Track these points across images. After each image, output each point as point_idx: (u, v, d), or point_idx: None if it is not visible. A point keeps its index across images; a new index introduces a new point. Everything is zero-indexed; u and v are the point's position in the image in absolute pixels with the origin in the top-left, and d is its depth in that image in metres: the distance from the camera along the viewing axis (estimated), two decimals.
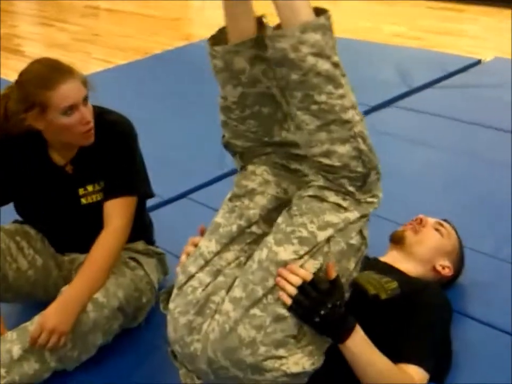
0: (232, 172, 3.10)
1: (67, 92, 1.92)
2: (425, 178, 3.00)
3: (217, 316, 1.62)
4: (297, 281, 1.56)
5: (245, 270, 1.64)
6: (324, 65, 1.51)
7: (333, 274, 1.60)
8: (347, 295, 1.65)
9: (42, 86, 1.92)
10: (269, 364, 1.58)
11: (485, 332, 2.07)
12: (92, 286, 1.98)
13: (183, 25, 6.41)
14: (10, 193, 2.14)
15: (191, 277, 1.69)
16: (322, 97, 1.52)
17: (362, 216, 1.61)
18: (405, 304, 1.85)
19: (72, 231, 2.20)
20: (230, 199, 1.76)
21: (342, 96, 1.52)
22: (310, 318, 1.58)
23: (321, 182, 1.60)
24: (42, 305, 2.11)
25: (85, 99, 1.98)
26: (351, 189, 1.58)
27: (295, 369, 1.59)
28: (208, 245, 1.71)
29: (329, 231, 1.58)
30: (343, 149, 1.54)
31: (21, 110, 1.95)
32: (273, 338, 1.57)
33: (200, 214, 2.80)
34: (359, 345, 1.64)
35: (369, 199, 1.61)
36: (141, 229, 2.23)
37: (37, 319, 1.95)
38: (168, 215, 2.77)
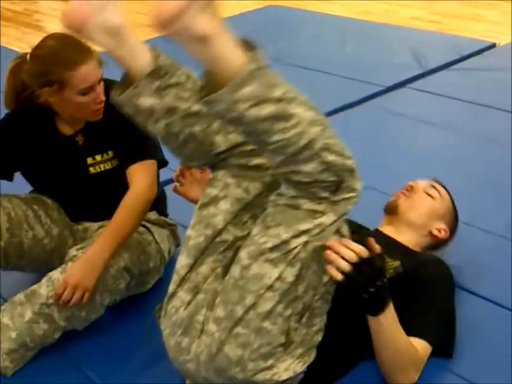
0: None
1: (87, 73, 1.95)
2: (437, 158, 3.02)
3: (203, 337, 1.62)
4: (352, 257, 1.54)
5: (223, 287, 1.62)
6: (267, 109, 1.41)
7: (377, 249, 1.61)
8: (333, 287, 1.64)
9: (62, 65, 1.93)
10: (260, 376, 1.59)
11: (494, 310, 2.09)
12: (114, 244, 2.01)
13: None
14: (18, 162, 2.18)
15: (172, 296, 1.69)
16: (276, 137, 1.44)
17: (340, 216, 1.56)
18: (408, 281, 1.87)
19: (82, 200, 2.23)
20: (199, 209, 1.71)
21: (295, 125, 1.43)
22: (359, 294, 1.60)
23: (292, 192, 1.55)
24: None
25: (100, 79, 2.01)
26: (324, 195, 1.52)
27: (286, 375, 1.61)
28: (180, 260, 1.70)
29: (303, 238, 1.54)
30: (308, 168, 1.47)
31: (35, 84, 1.98)
32: (260, 353, 1.58)
33: None
34: (389, 321, 1.66)
35: (346, 195, 1.54)
36: (154, 199, 2.27)
37: (44, 281, 1.99)
38: None
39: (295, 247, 1.54)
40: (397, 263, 1.90)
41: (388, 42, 4.67)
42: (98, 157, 2.15)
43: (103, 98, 2.01)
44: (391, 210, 2.16)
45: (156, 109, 1.59)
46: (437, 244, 2.15)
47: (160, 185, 2.39)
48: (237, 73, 1.39)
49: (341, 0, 6.08)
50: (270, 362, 1.59)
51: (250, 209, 1.66)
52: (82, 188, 2.19)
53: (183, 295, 1.67)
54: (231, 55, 1.40)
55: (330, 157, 1.47)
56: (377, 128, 3.42)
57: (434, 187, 2.17)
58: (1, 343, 1.92)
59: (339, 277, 1.55)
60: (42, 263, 2.23)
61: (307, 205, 1.53)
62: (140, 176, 2.07)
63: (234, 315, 1.57)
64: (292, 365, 1.62)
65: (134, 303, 2.18)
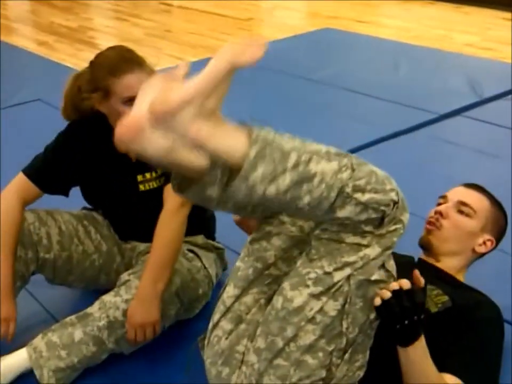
0: None
1: (131, 82, 1.95)
2: (491, 189, 2.95)
3: (243, 368, 1.60)
4: (395, 285, 1.53)
5: (265, 318, 1.59)
6: (286, 180, 1.39)
7: (420, 283, 1.58)
8: (376, 323, 1.60)
9: (108, 72, 1.97)
10: None
11: None
12: (162, 271, 2.00)
13: (254, 25, 6.45)
14: (75, 175, 2.19)
15: (215, 325, 1.68)
16: (305, 200, 1.42)
17: (385, 250, 1.52)
18: (456, 318, 1.81)
19: (131, 218, 2.24)
20: (250, 242, 1.70)
21: (320, 182, 1.41)
22: (392, 324, 1.56)
23: (335, 228, 1.52)
24: (96, 292, 2.18)
25: None
26: (368, 229, 1.49)
27: None
28: (228, 290, 1.68)
29: (347, 271, 1.51)
30: (345, 213, 1.44)
31: (88, 90, 2.02)
32: None
33: None
34: (419, 354, 1.62)
35: (392, 227, 1.50)
36: (201, 223, 2.26)
37: (97, 304, 1.99)
38: None
39: (339, 281, 1.52)
40: (445, 298, 1.84)
41: (441, 68, 4.62)
42: (148, 175, 2.15)
43: None
44: (425, 248, 2.06)
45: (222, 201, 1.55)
46: (486, 253, 2.06)
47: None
48: (243, 160, 1.37)
49: (394, 24, 6.06)
50: None
51: (301, 246, 1.64)
52: (132, 205, 2.20)
53: (226, 324, 1.66)
54: (231, 145, 1.37)
55: (365, 197, 1.44)
56: (430, 156, 3.37)
57: (465, 204, 2.02)
58: (48, 360, 1.92)
59: (378, 302, 1.53)
60: (89, 279, 2.24)
61: (351, 238, 1.51)
62: (172, 196, 2.03)
63: (275, 347, 1.55)
64: None
65: (179, 327, 2.16)
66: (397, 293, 1.52)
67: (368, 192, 1.44)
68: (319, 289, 1.52)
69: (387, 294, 1.52)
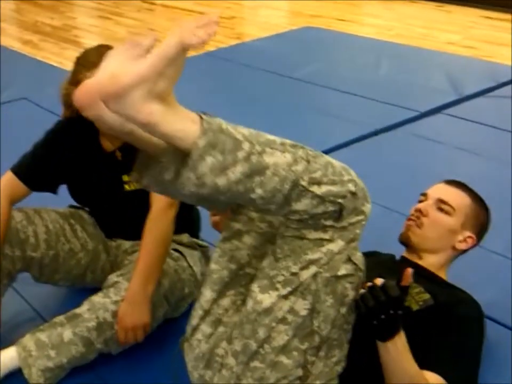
0: None
1: None
2: (471, 186, 3.00)
3: (223, 370, 1.60)
4: (369, 284, 1.54)
5: (239, 320, 1.59)
6: (236, 171, 1.37)
7: (407, 282, 1.58)
8: (352, 317, 1.60)
9: (83, 65, 1.99)
10: None
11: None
12: (152, 272, 2.01)
13: (237, 24, 6.47)
14: (63, 174, 2.21)
15: (195, 329, 1.67)
16: (258, 192, 1.40)
17: (349, 242, 1.51)
18: (438, 316, 1.82)
19: (116, 217, 2.26)
20: (222, 241, 1.68)
21: (273, 175, 1.39)
22: (369, 320, 1.57)
23: (295, 225, 1.50)
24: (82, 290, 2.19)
25: None
26: (328, 223, 1.48)
27: None
28: (204, 294, 1.67)
29: (313, 269, 1.50)
30: (301, 205, 1.43)
31: (68, 84, 2.04)
32: None
33: None
34: (399, 349, 1.62)
35: (353, 219, 1.49)
36: (186, 222, 2.27)
37: (86, 305, 2.01)
38: None
39: (305, 279, 1.51)
40: (426, 296, 1.85)
41: (422, 66, 4.66)
42: None
43: None
44: (405, 245, 2.06)
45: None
46: (467, 250, 2.05)
47: (195, 206, 2.41)
48: (192, 149, 1.34)
49: (376, 23, 6.10)
50: None
51: (274, 241, 1.60)
52: (117, 204, 2.22)
53: (205, 328, 1.66)
54: (182, 130, 1.34)
55: (322, 189, 1.43)
56: (410, 154, 3.41)
57: (443, 201, 2.02)
58: (37, 359, 1.94)
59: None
60: (75, 277, 2.26)
61: (312, 234, 1.50)
62: (159, 197, 2.05)
63: (249, 349, 1.55)
64: None
65: (165, 326, 2.17)
66: (371, 288, 1.54)
67: (324, 184, 1.43)
68: (287, 289, 1.52)
69: (363, 291, 1.54)
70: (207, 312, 1.65)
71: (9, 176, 2.16)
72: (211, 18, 1.31)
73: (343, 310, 1.56)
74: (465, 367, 1.79)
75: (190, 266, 2.24)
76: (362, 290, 1.55)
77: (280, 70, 4.64)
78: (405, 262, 2.03)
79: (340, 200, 1.45)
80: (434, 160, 3.34)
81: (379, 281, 1.56)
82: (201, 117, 1.37)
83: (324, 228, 1.49)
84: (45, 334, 1.97)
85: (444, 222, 2.00)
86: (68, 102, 2.10)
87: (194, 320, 1.68)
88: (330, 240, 1.50)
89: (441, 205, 2.02)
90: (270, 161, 1.39)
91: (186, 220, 2.25)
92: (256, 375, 1.55)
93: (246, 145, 1.38)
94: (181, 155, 1.38)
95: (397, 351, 1.63)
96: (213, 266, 1.67)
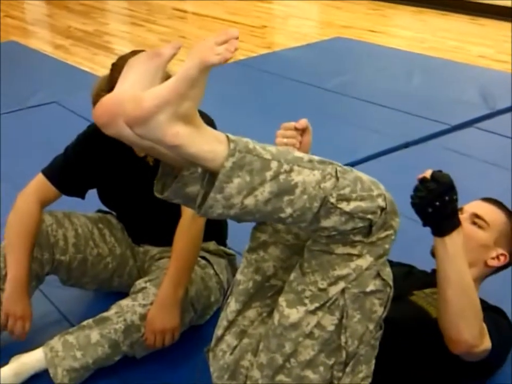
0: None
1: None
2: (504, 203, 2.97)
3: (248, 383, 1.59)
4: (418, 175, 1.63)
5: (265, 333, 1.57)
6: (265, 192, 1.35)
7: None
8: (380, 333, 1.58)
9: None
10: None
11: None
12: (183, 277, 2.02)
13: (267, 33, 6.48)
14: (94, 178, 2.21)
15: (220, 339, 1.67)
16: (287, 212, 1.39)
17: (378, 258, 1.50)
18: None
19: (146, 222, 2.26)
20: (248, 251, 1.68)
21: (302, 193, 1.37)
22: (424, 208, 1.61)
23: (324, 240, 1.48)
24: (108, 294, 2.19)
25: None
26: (357, 238, 1.46)
27: None
28: (230, 305, 1.66)
29: (341, 285, 1.48)
30: (330, 222, 1.42)
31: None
32: None
33: None
34: (456, 247, 1.64)
35: (383, 234, 1.47)
36: (213, 229, 2.26)
37: (114, 308, 2.01)
38: None
39: (333, 295, 1.49)
40: None
41: (454, 80, 4.63)
42: None
43: None
44: (434, 256, 2.02)
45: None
46: (499, 269, 2.02)
47: None
48: (219, 170, 1.32)
49: (407, 35, 6.08)
50: None
51: (301, 253, 1.59)
52: (147, 209, 2.21)
53: (230, 339, 1.65)
54: (209, 151, 1.32)
55: (350, 206, 1.41)
56: (441, 167, 3.30)
57: (478, 216, 1.99)
58: (63, 359, 1.95)
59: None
60: (102, 281, 2.27)
61: (340, 249, 1.48)
62: None
63: (275, 363, 1.54)
64: None
65: (190, 333, 2.17)
66: (421, 180, 1.61)
67: (353, 200, 1.41)
68: (315, 305, 1.50)
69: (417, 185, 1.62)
70: (232, 323, 1.65)
71: (40, 178, 2.17)
72: (231, 34, 1.28)
73: (371, 326, 1.54)
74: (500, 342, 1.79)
75: (216, 274, 2.23)
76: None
77: (311, 80, 4.64)
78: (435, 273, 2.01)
79: (369, 216, 1.43)
80: (464, 174, 3.28)
81: (428, 173, 1.63)
82: (228, 137, 1.35)
83: (353, 243, 1.47)
84: (72, 336, 1.98)
85: (477, 236, 1.97)
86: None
87: (219, 331, 1.67)
88: (359, 256, 1.48)
89: (476, 219, 1.99)
90: (299, 179, 1.38)
91: (213, 228, 2.24)
92: None
93: (274, 164, 1.36)
94: (206, 175, 1.37)
95: (454, 248, 1.64)
96: (238, 276, 1.67)
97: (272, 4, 7.02)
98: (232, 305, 1.65)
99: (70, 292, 2.34)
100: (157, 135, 1.29)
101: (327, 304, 1.50)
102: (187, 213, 2.07)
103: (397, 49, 5.45)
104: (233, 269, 2.37)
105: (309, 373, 1.53)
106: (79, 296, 2.39)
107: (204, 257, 2.23)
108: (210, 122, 2.16)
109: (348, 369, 1.55)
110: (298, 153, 1.43)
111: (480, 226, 1.98)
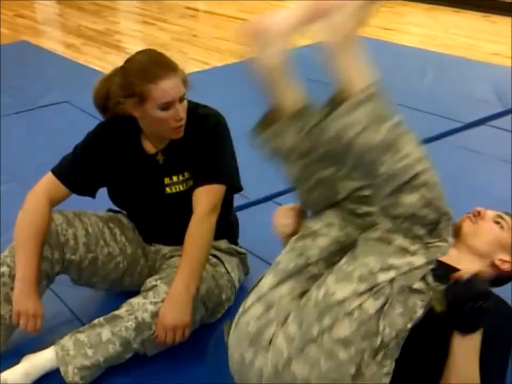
0: None
1: (167, 88, 1.97)
2: None
3: (269, 353, 1.61)
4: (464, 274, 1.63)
5: (300, 306, 1.63)
6: (377, 137, 1.49)
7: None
8: (406, 334, 1.62)
9: (144, 78, 1.97)
10: None
11: None
12: (195, 274, 2.02)
13: None
14: (104, 176, 2.21)
15: (246, 310, 1.70)
16: (383, 169, 1.50)
17: (428, 263, 1.59)
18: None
19: (156, 220, 2.25)
20: (296, 239, 1.76)
21: (403, 158, 1.50)
22: (459, 307, 1.60)
23: (388, 225, 1.58)
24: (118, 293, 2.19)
25: (182, 97, 2.02)
26: (420, 232, 1.56)
27: None
28: (264, 281, 1.72)
29: (392, 273, 1.56)
30: (409, 199, 1.52)
31: (121, 95, 2.02)
32: (327, 377, 1.56)
33: None
34: (472, 347, 1.65)
35: (438, 243, 1.58)
36: (225, 228, 2.26)
37: (125, 306, 2.00)
38: (253, 216, 2.80)
39: (382, 282, 1.56)
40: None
41: (467, 77, 4.60)
42: (175, 178, 2.16)
43: (182, 116, 2.03)
44: (454, 232, 2.06)
45: (295, 150, 1.67)
46: (500, 278, 2.04)
47: (234, 211, 2.40)
48: (355, 94, 1.46)
49: (420, 32, 6.05)
50: None
51: (344, 252, 1.67)
52: (158, 208, 2.21)
53: (257, 309, 1.68)
54: (356, 73, 1.51)
55: (430, 195, 1.52)
56: (454, 165, 3.34)
57: (502, 218, 2.07)
58: (75, 358, 1.95)
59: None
60: (113, 281, 2.26)
61: (399, 241, 1.56)
62: (203, 200, 2.08)
63: (308, 335, 1.57)
64: None
65: (201, 331, 2.16)
66: (457, 281, 1.61)
67: (433, 192, 1.53)
68: (362, 287, 1.56)
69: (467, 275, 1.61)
70: (262, 296, 1.69)
71: (49, 177, 2.17)
72: None
73: (409, 324, 1.59)
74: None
75: (228, 272, 2.23)
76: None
77: (324, 78, 4.59)
78: (440, 264, 2.00)
79: (443, 211, 1.54)
80: (477, 172, 3.28)
81: (465, 273, 1.63)
82: (374, 77, 1.51)
83: (413, 238, 1.55)
84: (83, 335, 1.98)
85: (496, 231, 2.05)
86: (111, 109, 2.10)
87: (248, 302, 1.71)
88: (414, 254, 1.56)
89: (498, 219, 2.08)
90: (406, 146, 1.50)
91: (224, 226, 2.24)
92: (308, 361, 1.57)
93: (396, 119, 1.50)
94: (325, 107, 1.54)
95: (471, 349, 1.66)
96: (279, 259, 1.74)
97: (285, 2, 6.98)
98: (267, 281, 1.71)
99: (82, 291, 2.34)
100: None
101: (374, 289, 1.55)
102: (199, 210, 2.07)
103: (410, 46, 5.41)
104: (244, 267, 2.37)
105: (340, 350, 1.56)
106: (91, 296, 2.38)
107: (215, 256, 2.23)
108: (218, 118, 2.16)
109: (378, 357, 1.59)
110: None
111: (502, 227, 2.06)
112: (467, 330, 1.63)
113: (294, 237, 1.75)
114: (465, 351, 1.66)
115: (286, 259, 1.72)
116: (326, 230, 1.73)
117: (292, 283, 1.68)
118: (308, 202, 1.83)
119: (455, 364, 1.67)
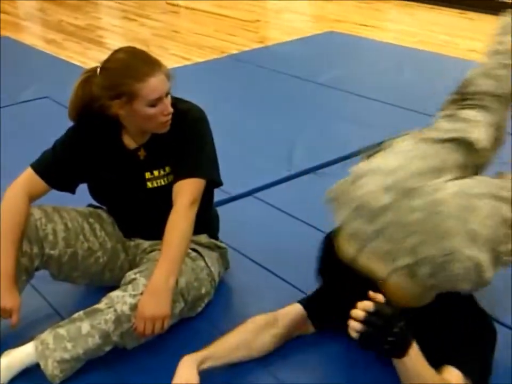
0: (298, 174, 3.16)
1: (156, 85, 1.98)
2: None
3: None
4: (360, 314, 1.57)
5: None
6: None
7: (379, 298, 1.61)
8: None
9: (131, 77, 1.98)
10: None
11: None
12: (174, 266, 2.02)
13: (260, 27, 6.48)
14: (84, 172, 2.22)
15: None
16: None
17: None
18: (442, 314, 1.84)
19: (137, 215, 2.26)
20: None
21: None
22: (380, 346, 1.59)
23: None
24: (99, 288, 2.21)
25: (168, 91, 2.04)
26: None
27: None
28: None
29: None
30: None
31: (106, 97, 2.02)
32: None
33: (263, 212, 2.86)
34: (414, 360, 1.65)
35: None
36: (205, 222, 2.28)
37: (105, 300, 2.01)
38: (233, 211, 2.82)
39: None
40: None
41: (444, 73, 4.62)
42: (156, 172, 2.18)
43: (171, 110, 2.05)
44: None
45: None
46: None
47: (214, 206, 2.42)
48: None
49: (398, 29, 6.09)
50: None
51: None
52: (139, 202, 2.22)
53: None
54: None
55: None
56: None
57: None
58: (54, 351, 1.95)
59: (355, 335, 1.56)
60: (93, 275, 2.27)
61: None
62: (183, 193, 2.09)
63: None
64: None
65: (181, 325, 2.18)
66: (366, 320, 1.55)
67: None
68: None
69: (358, 326, 1.56)
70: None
71: (29, 172, 2.17)
72: None
73: None
74: (480, 360, 1.81)
75: (208, 266, 2.24)
76: (359, 326, 1.56)
77: (303, 75, 4.65)
78: None
79: None
80: None
81: (368, 305, 1.57)
82: None
83: None
84: (63, 329, 1.98)
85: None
86: (95, 111, 2.09)
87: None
88: None
89: None
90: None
91: (205, 221, 2.26)
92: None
93: None
94: None
95: (412, 362, 1.65)
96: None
97: None
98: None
99: (62, 286, 2.34)
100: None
101: None
102: (180, 203, 2.08)
103: (388, 43, 5.46)
104: (224, 262, 2.39)
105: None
106: (71, 291, 2.39)
107: (195, 250, 2.24)
108: (198, 113, 2.18)
109: None
110: None
111: None
112: (401, 355, 1.63)
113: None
114: (410, 367, 1.66)
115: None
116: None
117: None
118: None
119: (407, 380, 1.69)
